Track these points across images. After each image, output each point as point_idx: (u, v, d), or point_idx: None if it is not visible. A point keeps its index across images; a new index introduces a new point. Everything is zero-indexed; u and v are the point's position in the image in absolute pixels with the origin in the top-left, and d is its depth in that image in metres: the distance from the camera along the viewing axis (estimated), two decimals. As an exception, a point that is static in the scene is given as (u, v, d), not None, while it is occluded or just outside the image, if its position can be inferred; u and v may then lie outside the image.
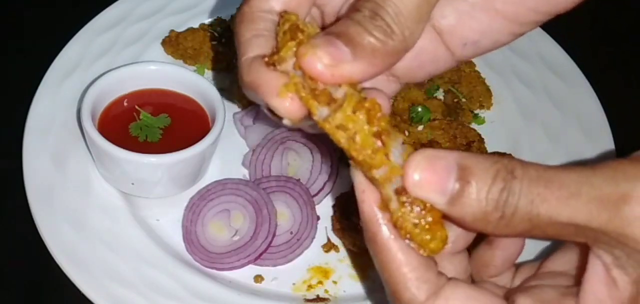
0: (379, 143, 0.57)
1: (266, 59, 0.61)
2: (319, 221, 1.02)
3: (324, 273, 0.99)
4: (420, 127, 1.11)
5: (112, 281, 0.91)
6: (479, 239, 0.66)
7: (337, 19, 0.66)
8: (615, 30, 1.39)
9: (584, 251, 0.60)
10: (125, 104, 1.04)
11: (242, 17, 0.64)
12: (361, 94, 0.59)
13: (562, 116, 1.18)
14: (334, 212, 1.03)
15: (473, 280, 0.68)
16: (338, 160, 1.08)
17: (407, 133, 1.10)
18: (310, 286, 0.97)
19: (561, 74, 1.24)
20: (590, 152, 1.12)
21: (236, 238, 0.98)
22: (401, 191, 0.57)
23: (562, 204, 0.54)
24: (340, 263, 1.00)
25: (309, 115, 0.60)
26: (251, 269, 0.97)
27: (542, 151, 1.14)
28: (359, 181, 0.59)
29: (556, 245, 0.68)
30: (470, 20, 0.67)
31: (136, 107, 1.03)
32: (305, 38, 0.59)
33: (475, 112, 1.19)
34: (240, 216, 1.00)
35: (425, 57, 0.69)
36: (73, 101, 1.08)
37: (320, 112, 0.59)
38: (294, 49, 0.59)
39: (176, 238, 0.99)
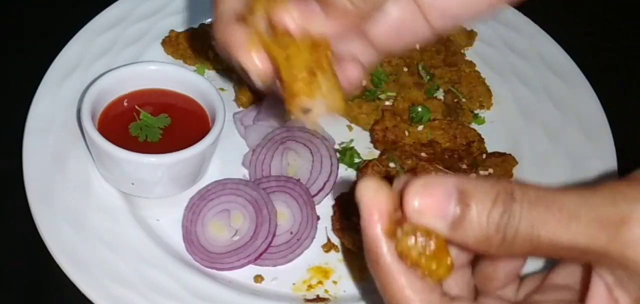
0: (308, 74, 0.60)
1: (238, 16, 0.62)
2: (319, 221, 1.02)
3: (324, 273, 0.99)
4: (420, 127, 1.11)
5: (112, 281, 0.91)
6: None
7: None
8: (616, 31, 1.39)
9: (587, 267, 0.60)
10: (125, 104, 1.04)
11: None
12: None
13: (562, 116, 1.18)
14: (334, 212, 1.03)
15: (478, 292, 0.68)
16: (338, 160, 1.08)
17: (407, 133, 1.10)
18: (310, 286, 0.97)
19: (561, 74, 1.24)
20: (590, 152, 1.12)
21: (236, 238, 0.98)
22: (402, 221, 0.56)
23: (562, 227, 0.54)
24: (340, 263, 1.00)
25: (277, 75, 0.62)
26: (251, 269, 0.97)
27: (542, 151, 1.14)
28: (366, 203, 0.58)
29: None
30: None
31: (136, 107, 1.03)
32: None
33: (475, 112, 1.19)
34: (240, 216, 1.00)
35: (404, 29, 0.70)
36: (73, 101, 1.08)
37: (281, 54, 0.61)
38: (265, 4, 0.61)
39: (176, 238, 0.99)
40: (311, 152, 1.07)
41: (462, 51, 1.25)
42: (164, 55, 1.19)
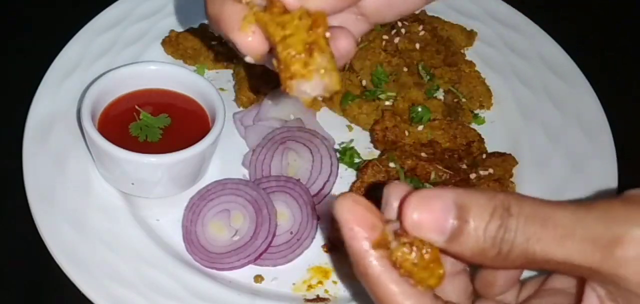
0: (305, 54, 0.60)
1: None
2: (319, 221, 1.02)
3: (324, 273, 0.99)
4: (420, 127, 1.10)
5: (112, 281, 0.91)
6: None
7: None
8: (616, 31, 1.39)
9: (581, 278, 0.62)
10: (125, 104, 1.04)
11: None
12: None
13: (562, 116, 1.18)
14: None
15: (477, 298, 0.68)
16: (338, 160, 1.08)
17: (407, 133, 1.10)
18: (310, 286, 0.97)
19: (561, 74, 1.24)
20: (590, 152, 1.12)
21: (236, 238, 0.98)
22: (399, 232, 0.57)
23: (557, 244, 0.55)
24: (340, 262, 1.00)
25: (270, 51, 0.61)
26: (251, 269, 0.97)
27: (542, 151, 1.14)
28: (346, 218, 0.58)
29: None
30: None
31: (136, 107, 1.03)
32: None
33: (475, 112, 1.19)
34: (240, 216, 1.00)
35: None
36: (73, 101, 1.08)
37: (278, 32, 0.61)
38: None
39: (176, 238, 0.99)
40: (311, 153, 1.07)
41: (462, 51, 1.25)
42: (164, 55, 1.19)
